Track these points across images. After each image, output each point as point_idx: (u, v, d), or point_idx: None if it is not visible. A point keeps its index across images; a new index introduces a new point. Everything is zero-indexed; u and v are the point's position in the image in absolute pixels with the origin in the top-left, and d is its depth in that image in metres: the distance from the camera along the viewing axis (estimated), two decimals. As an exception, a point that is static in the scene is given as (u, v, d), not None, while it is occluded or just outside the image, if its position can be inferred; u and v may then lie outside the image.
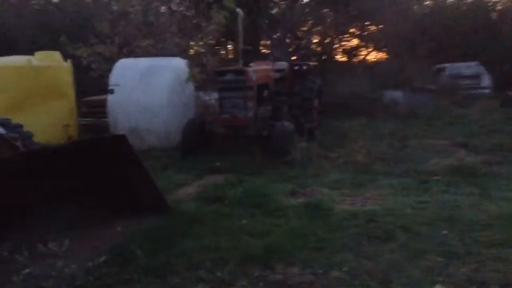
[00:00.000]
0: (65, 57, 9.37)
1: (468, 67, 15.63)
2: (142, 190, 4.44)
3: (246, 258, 3.55)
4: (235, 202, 5.09)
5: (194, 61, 9.96)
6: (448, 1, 20.78)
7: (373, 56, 19.90)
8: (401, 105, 12.35)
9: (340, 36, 18.51)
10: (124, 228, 4.20)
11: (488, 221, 4.28)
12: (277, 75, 8.79)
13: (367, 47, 19.40)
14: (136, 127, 8.29)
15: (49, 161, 3.86)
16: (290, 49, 16.34)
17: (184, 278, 3.30)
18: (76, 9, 15.62)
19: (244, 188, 5.53)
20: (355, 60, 19.32)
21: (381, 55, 19.91)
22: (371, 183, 5.90)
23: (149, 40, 10.42)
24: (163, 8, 11.81)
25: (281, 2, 17.61)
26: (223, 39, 14.20)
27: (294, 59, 13.78)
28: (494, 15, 19.66)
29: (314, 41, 18.26)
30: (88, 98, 10.45)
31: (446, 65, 16.09)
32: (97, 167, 4.17)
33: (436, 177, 6.05)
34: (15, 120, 5.53)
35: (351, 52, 19.20)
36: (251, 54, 8.48)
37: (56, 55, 9.15)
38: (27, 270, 3.33)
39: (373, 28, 18.52)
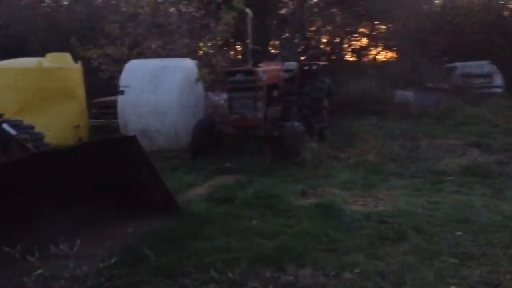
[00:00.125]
0: (76, 58, 9.43)
1: (479, 66, 15.41)
2: (152, 191, 4.45)
3: (257, 259, 3.53)
4: (245, 202, 5.08)
5: (204, 62, 9.98)
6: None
7: (382, 55, 19.81)
8: (412, 104, 12.23)
9: (349, 36, 18.46)
10: (134, 229, 4.20)
11: (502, 222, 4.23)
12: (287, 75, 8.75)
13: (376, 47, 19.31)
14: (146, 128, 8.30)
15: (59, 162, 3.87)
16: (299, 49, 16.29)
17: (195, 279, 3.29)
18: (86, 10, 15.72)
19: (254, 189, 5.52)
20: (364, 59, 19.23)
21: (391, 55, 19.77)
22: (382, 183, 5.86)
23: (158, 41, 10.46)
24: (172, 9, 11.85)
25: (290, 2, 17.60)
26: (232, 40, 14.23)
27: (303, 59, 13.72)
28: (505, 13, 19.40)
29: (323, 41, 18.24)
30: (98, 100, 10.49)
31: (458, 64, 15.91)
32: (107, 168, 4.18)
33: (448, 178, 5.99)
34: (26, 121, 5.56)
35: (360, 52, 19.13)
36: (260, 54, 8.44)
37: (67, 56, 9.22)
38: (38, 271, 3.33)
39: (382, 27, 18.42)
